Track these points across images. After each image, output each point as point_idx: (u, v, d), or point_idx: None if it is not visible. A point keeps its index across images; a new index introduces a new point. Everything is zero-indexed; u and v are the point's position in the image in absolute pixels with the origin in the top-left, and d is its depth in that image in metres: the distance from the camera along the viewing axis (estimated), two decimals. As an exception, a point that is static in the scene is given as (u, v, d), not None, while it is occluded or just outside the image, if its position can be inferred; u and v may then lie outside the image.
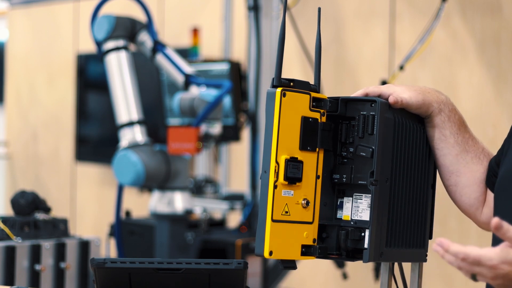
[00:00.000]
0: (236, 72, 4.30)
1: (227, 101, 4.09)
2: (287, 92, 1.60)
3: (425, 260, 1.78)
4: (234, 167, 5.20)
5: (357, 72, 4.86)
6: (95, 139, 6.60)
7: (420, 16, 4.36)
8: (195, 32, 5.07)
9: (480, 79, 4.33)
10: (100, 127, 6.52)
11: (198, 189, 4.70)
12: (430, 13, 3.91)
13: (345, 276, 4.17)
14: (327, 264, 4.59)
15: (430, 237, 1.77)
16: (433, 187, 1.78)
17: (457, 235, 4.32)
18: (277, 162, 1.59)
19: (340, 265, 4.15)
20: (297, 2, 4.29)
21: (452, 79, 4.44)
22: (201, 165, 4.99)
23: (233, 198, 4.54)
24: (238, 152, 5.12)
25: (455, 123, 1.75)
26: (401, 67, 3.89)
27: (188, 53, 4.99)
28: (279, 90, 1.59)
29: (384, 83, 3.79)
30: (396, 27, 4.66)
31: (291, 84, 1.62)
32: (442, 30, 4.36)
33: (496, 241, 1.60)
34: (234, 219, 4.69)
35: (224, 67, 4.33)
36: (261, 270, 3.79)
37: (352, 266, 4.30)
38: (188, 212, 3.76)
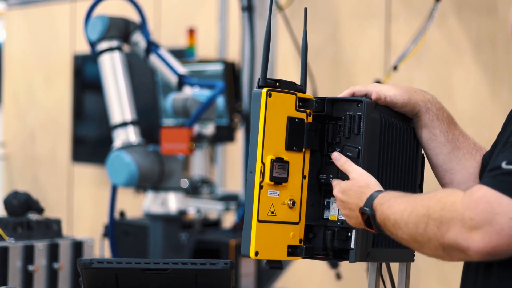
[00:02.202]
0: (230, 73, 4.29)
1: (220, 101, 4.09)
2: (272, 93, 1.60)
3: (413, 260, 1.78)
4: (230, 167, 5.20)
5: (353, 72, 4.86)
6: (92, 139, 6.60)
7: (416, 16, 4.36)
8: (191, 32, 5.06)
9: (476, 80, 4.32)
10: (97, 128, 6.52)
11: (194, 189, 4.69)
12: (426, 13, 3.90)
13: (338, 276, 4.17)
14: (323, 264, 4.58)
15: (418, 237, 1.76)
16: (420, 187, 1.77)
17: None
18: (262, 163, 1.59)
19: (334, 265, 4.14)
20: (291, 3, 4.28)
21: (448, 79, 4.44)
22: (197, 166, 4.98)
23: (228, 198, 4.53)
24: (234, 153, 5.12)
25: (444, 121, 1.75)
26: (395, 67, 3.89)
27: (184, 54, 4.98)
28: (264, 90, 1.59)
29: (377, 83, 3.78)
30: (392, 27, 4.66)
31: (277, 84, 1.62)
32: (437, 30, 4.35)
33: None
34: (230, 220, 4.69)
35: (218, 67, 4.32)
36: (255, 270, 3.79)
37: (348, 267, 4.29)
38: (182, 213, 3.75)
